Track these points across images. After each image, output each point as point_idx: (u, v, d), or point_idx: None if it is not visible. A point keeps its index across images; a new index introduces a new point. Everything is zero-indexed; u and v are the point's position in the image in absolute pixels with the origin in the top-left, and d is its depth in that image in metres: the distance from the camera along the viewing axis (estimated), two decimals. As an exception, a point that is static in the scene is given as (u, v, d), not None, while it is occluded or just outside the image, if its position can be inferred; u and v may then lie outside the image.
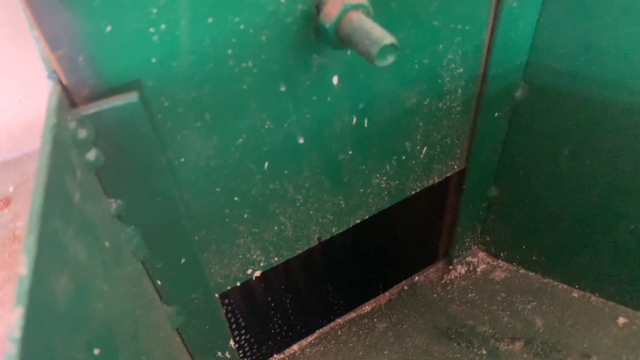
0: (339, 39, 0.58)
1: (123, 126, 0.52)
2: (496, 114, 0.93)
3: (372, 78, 0.72)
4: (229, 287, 0.83)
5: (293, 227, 0.83)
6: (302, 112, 0.69)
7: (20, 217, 2.02)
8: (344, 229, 0.91)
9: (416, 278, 1.25)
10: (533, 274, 1.16)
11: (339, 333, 1.15)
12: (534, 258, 1.14)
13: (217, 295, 0.81)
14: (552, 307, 1.09)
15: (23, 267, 0.35)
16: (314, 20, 0.60)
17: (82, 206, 0.48)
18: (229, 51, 0.57)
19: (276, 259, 0.85)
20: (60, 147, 0.45)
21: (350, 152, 0.79)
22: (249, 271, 0.83)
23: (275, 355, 1.12)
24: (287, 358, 1.12)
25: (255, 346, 1.64)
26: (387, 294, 1.22)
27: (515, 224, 1.12)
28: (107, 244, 0.53)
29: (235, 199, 0.72)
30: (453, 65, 0.80)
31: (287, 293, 1.70)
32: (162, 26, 0.51)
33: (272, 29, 0.58)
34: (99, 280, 0.49)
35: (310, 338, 1.15)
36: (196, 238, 0.72)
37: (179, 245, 0.67)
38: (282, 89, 0.65)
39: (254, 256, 0.82)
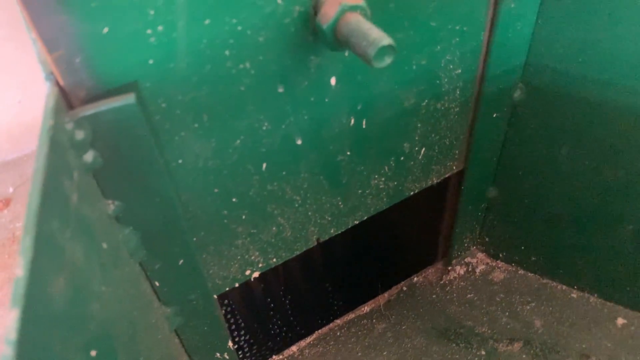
0: (337, 40, 0.58)
1: (120, 128, 0.52)
2: (495, 115, 0.93)
3: (370, 79, 0.72)
4: (227, 288, 0.83)
5: (291, 228, 0.83)
6: (300, 113, 0.69)
7: (20, 218, 2.01)
8: (343, 230, 0.91)
9: (415, 279, 1.25)
10: (532, 274, 1.16)
11: (338, 334, 1.15)
12: (533, 259, 1.14)
13: (215, 296, 0.81)
14: (551, 308, 1.09)
15: (19, 268, 0.35)
16: (312, 21, 0.60)
17: (80, 208, 0.48)
18: (227, 52, 0.57)
19: (275, 260, 0.85)
20: (58, 149, 0.45)
21: (348, 153, 0.79)
22: (248, 272, 0.83)
23: (274, 356, 1.12)
24: (286, 359, 1.12)
25: (254, 347, 1.64)
26: (386, 294, 1.22)
27: (514, 224, 1.12)
28: (104, 245, 0.53)
29: (234, 200, 0.72)
30: (451, 66, 0.80)
31: (286, 294, 1.69)
32: (160, 28, 0.51)
33: (269, 30, 0.58)
34: (97, 281, 0.49)
35: (309, 339, 1.15)
36: (194, 239, 0.72)
37: (177, 247, 0.67)
38: (280, 90, 0.65)
39: (253, 257, 0.81)
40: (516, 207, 1.08)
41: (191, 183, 0.66)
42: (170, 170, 0.63)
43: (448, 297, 1.18)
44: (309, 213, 0.83)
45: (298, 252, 0.87)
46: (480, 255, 1.23)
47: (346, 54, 0.67)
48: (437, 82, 0.81)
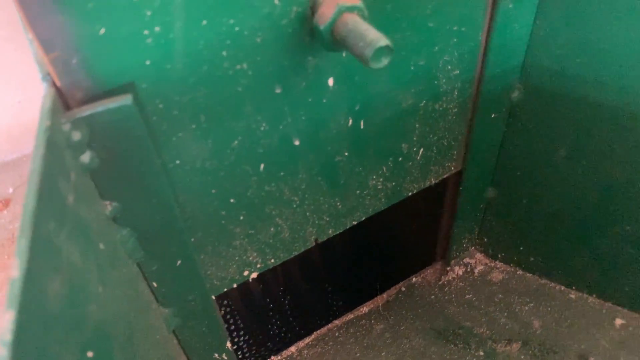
0: (334, 41, 0.58)
1: (117, 128, 0.52)
2: (493, 116, 0.93)
3: (367, 80, 0.72)
4: (225, 289, 0.83)
5: (289, 229, 0.83)
6: (297, 114, 0.69)
7: (20, 219, 2.02)
8: (341, 231, 0.91)
9: (414, 279, 1.25)
10: (530, 275, 1.16)
11: (337, 334, 1.15)
12: (532, 259, 1.14)
13: (213, 297, 0.81)
14: (549, 309, 1.09)
15: (15, 270, 0.35)
16: (309, 22, 0.60)
17: (76, 208, 0.48)
18: (224, 53, 0.57)
19: (273, 260, 0.85)
20: (54, 150, 0.45)
21: (346, 154, 0.79)
22: (246, 273, 0.83)
23: (272, 357, 1.12)
24: (284, 359, 1.12)
25: (253, 347, 1.64)
26: (384, 295, 1.22)
27: (512, 225, 1.12)
28: (101, 246, 0.53)
29: (231, 200, 0.72)
30: (449, 67, 0.80)
31: (285, 294, 1.70)
32: (157, 28, 0.51)
33: (267, 31, 0.59)
34: (94, 282, 0.48)
35: (307, 339, 1.15)
36: (192, 240, 0.72)
37: (174, 247, 0.67)
38: (278, 90, 0.65)
39: (251, 258, 0.81)
40: (515, 207, 1.08)
41: (189, 184, 0.66)
42: (167, 171, 0.63)
43: (447, 297, 1.18)
44: (307, 214, 0.83)
45: (296, 253, 0.87)
46: (479, 255, 1.23)
47: (344, 54, 0.67)
48: (435, 82, 0.81)
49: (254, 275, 0.85)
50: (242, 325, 1.62)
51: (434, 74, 0.79)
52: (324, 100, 0.70)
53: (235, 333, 1.61)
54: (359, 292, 1.69)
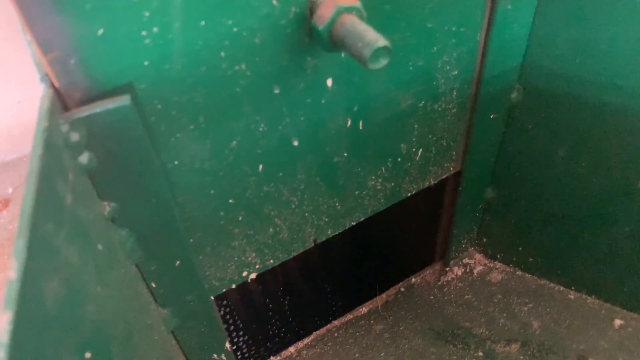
0: (333, 41, 0.58)
1: (116, 129, 0.52)
2: (492, 116, 0.93)
3: (366, 80, 0.72)
4: (224, 290, 0.83)
5: (288, 230, 0.82)
6: (296, 114, 0.69)
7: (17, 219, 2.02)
8: (340, 231, 0.91)
9: (413, 280, 1.25)
10: (530, 275, 1.16)
11: (336, 335, 1.15)
12: (531, 260, 1.14)
13: (212, 297, 0.81)
14: (548, 309, 1.09)
15: (12, 271, 0.35)
16: (308, 22, 0.60)
17: (75, 209, 0.48)
18: (222, 54, 0.57)
19: (271, 261, 0.85)
20: (52, 150, 0.45)
21: (345, 155, 0.79)
22: (245, 273, 0.83)
23: (271, 358, 1.12)
24: (283, 360, 1.12)
25: (252, 348, 1.64)
26: (383, 295, 1.22)
27: (511, 225, 1.12)
28: (100, 247, 0.53)
29: (230, 201, 0.72)
30: (448, 67, 0.80)
31: (284, 295, 1.70)
32: (155, 29, 0.51)
33: (265, 31, 0.58)
34: (92, 283, 0.48)
35: (306, 340, 1.15)
36: (191, 240, 0.72)
37: (173, 248, 0.67)
38: (276, 91, 0.65)
39: (249, 258, 0.81)
40: (514, 208, 1.08)
41: (187, 184, 0.66)
42: (166, 172, 0.63)
43: (446, 298, 1.18)
44: (306, 214, 0.83)
45: (295, 254, 0.87)
46: (478, 256, 1.23)
47: (342, 55, 0.67)
48: (434, 83, 0.81)
49: (253, 275, 0.84)
50: (241, 325, 1.62)
51: (432, 74, 0.79)
52: (323, 101, 0.70)
53: (234, 333, 1.61)
54: (358, 292, 1.69)
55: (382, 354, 1.08)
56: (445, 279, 1.22)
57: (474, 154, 0.97)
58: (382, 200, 0.92)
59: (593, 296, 1.08)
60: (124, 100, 0.51)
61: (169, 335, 0.78)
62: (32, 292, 0.36)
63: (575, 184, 0.95)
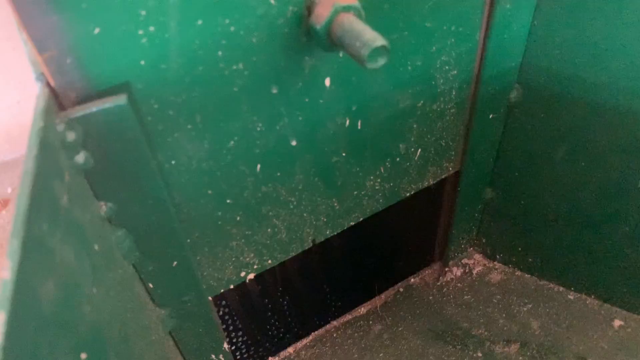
0: (331, 41, 0.57)
1: (112, 129, 0.52)
2: (491, 116, 0.93)
3: (364, 80, 0.72)
4: (222, 290, 0.82)
5: (287, 230, 0.82)
6: (294, 114, 0.69)
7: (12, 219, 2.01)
8: (339, 231, 0.91)
9: (412, 280, 1.25)
10: (529, 276, 1.16)
11: (334, 335, 1.14)
12: (530, 260, 1.14)
13: (210, 298, 0.81)
14: (548, 310, 1.08)
15: (6, 271, 0.34)
16: (305, 22, 0.59)
17: (71, 209, 0.47)
18: (219, 53, 0.57)
19: (270, 261, 0.85)
20: (48, 150, 0.45)
21: (343, 155, 0.79)
22: (243, 274, 0.83)
23: (270, 358, 1.12)
24: (282, 360, 1.12)
25: (251, 348, 1.64)
26: (382, 296, 1.22)
27: (511, 225, 1.12)
28: (96, 247, 0.53)
29: (228, 201, 0.72)
30: (447, 67, 0.80)
31: (283, 295, 1.69)
32: (151, 28, 0.51)
33: (263, 30, 0.58)
34: (88, 283, 0.48)
35: (305, 340, 1.15)
36: (188, 241, 0.72)
37: (170, 248, 0.67)
38: (274, 91, 0.64)
39: (247, 259, 0.81)
40: (513, 208, 1.08)
41: (184, 184, 0.66)
42: (163, 172, 0.62)
43: (445, 298, 1.17)
44: (304, 214, 0.82)
45: (294, 254, 0.87)
46: (477, 256, 1.23)
47: (340, 54, 0.67)
48: (433, 83, 0.81)
49: (251, 276, 0.84)
50: (239, 326, 1.62)
51: (431, 74, 0.79)
52: (321, 101, 0.70)
53: (232, 334, 1.61)
54: (357, 293, 1.68)
55: (381, 355, 1.08)
56: (445, 280, 1.21)
57: (473, 154, 0.97)
58: (380, 201, 0.92)
59: (592, 296, 1.08)
60: (120, 99, 0.50)
61: (166, 336, 0.77)
62: (27, 292, 0.36)
63: (574, 184, 0.95)
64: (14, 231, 0.37)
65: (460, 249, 1.21)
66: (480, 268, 1.21)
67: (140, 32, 0.51)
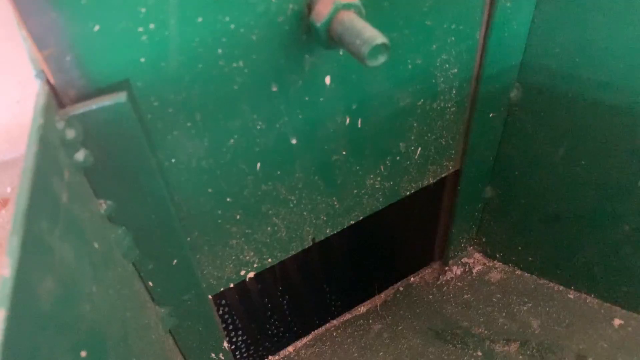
0: (331, 38, 0.57)
1: (112, 126, 0.52)
2: (491, 115, 0.93)
3: (365, 78, 0.72)
4: (222, 289, 0.82)
5: (286, 229, 0.82)
6: (294, 112, 0.69)
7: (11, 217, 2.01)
8: (339, 230, 0.90)
9: (412, 279, 1.24)
10: (529, 275, 1.16)
11: (334, 334, 1.14)
12: (530, 259, 1.14)
13: (210, 296, 0.81)
14: (547, 309, 1.08)
15: (5, 269, 0.34)
16: (305, 19, 0.59)
17: (70, 207, 0.47)
18: (219, 51, 0.57)
19: (270, 260, 0.85)
20: (48, 148, 0.45)
21: (343, 153, 0.79)
22: (242, 272, 0.83)
23: (270, 357, 1.12)
24: (282, 359, 1.11)
25: (251, 347, 1.64)
26: (382, 295, 1.22)
27: (510, 224, 1.12)
28: (96, 245, 0.53)
29: (228, 200, 0.72)
30: (447, 66, 0.80)
31: (282, 294, 1.69)
32: (151, 26, 0.51)
33: (263, 28, 0.58)
34: (87, 282, 0.48)
35: (305, 339, 1.15)
36: (188, 239, 0.72)
37: (170, 247, 0.67)
38: (274, 89, 0.64)
39: (247, 257, 0.81)
40: (513, 207, 1.08)
41: (184, 183, 0.66)
42: (162, 170, 0.62)
43: (445, 297, 1.17)
44: (304, 213, 0.82)
45: (293, 253, 0.87)
46: (477, 255, 1.23)
47: (340, 53, 0.67)
48: (433, 81, 0.81)
49: (251, 274, 0.84)
50: (239, 324, 1.62)
51: (431, 72, 0.79)
52: (321, 99, 0.70)
53: (232, 333, 1.61)
54: (356, 291, 1.68)
55: (381, 354, 1.07)
56: (444, 279, 1.21)
57: (473, 152, 0.97)
58: (380, 199, 0.92)
59: (592, 296, 1.08)
60: (120, 97, 0.50)
61: (166, 334, 0.77)
62: (26, 290, 0.36)
63: (574, 183, 0.95)
64: (13, 229, 0.37)
65: (460, 248, 1.21)
66: (480, 267, 1.21)
67: (140, 29, 0.51)
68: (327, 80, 0.68)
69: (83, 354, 0.43)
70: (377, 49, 0.52)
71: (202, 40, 0.55)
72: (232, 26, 0.56)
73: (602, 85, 0.81)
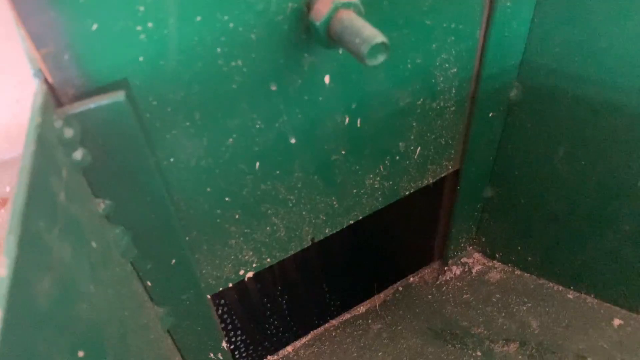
0: (330, 37, 0.57)
1: (110, 125, 0.51)
2: (490, 114, 0.92)
3: (364, 78, 0.72)
4: (221, 288, 0.82)
5: (285, 228, 0.82)
6: (293, 111, 0.69)
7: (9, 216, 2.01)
8: (338, 230, 0.90)
9: (411, 279, 1.24)
10: (528, 275, 1.16)
11: (333, 334, 1.14)
12: (530, 259, 1.14)
13: (208, 296, 0.81)
14: (547, 309, 1.08)
15: (2, 268, 0.34)
16: (305, 18, 0.59)
17: (68, 206, 0.47)
18: (218, 50, 0.57)
19: (269, 260, 0.85)
20: (45, 147, 0.44)
21: (343, 153, 0.79)
22: (241, 272, 0.83)
23: (269, 357, 1.12)
24: (281, 359, 1.11)
25: (250, 347, 1.64)
26: (381, 294, 1.22)
27: (510, 224, 1.12)
28: (94, 244, 0.52)
29: (227, 199, 0.71)
30: (447, 65, 0.80)
31: (282, 294, 1.69)
32: (150, 24, 0.51)
33: (262, 27, 0.58)
34: (85, 281, 0.48)
35: (304, 339, 1.15)
36: (187, 239, 0.71)
37: (169, 246, 0.67)
38: (273, 88, 0.64)
39: (246, 257, 0.81)
40: (512, 207, 1.08)
41: (183, 182, 0.66)
42: (161, 169, 0.62)
43: (444, 297, 1.17)
44: (304, 213, 0.82)
45: (293, 252, 0.87)
46: (477, 255, 1.23)
47: (340, 52, 0.66)
48: (433, 81, 0.80)
49: (250, 274, 0.84)
50: (238, 324, 1.61)
51: (431, 72, 0.79)
52: (320, 98, 0.70)
53: (231, 332, 1.61)
54: (356, 291, 1.68)
55: (380, 354, 1.07)
56: (444, 278, 1.21)
57: (472, 152, 0.97)
58: (380, 199, 0.92)
59: (592, 296, 1.08)
60: (118, 96, 0.50)
61: (164, 334, 0.77)
62: (24, 289, 0.35)
63: (574, 183, 0.95)
64: (10, 227, 0.37)
65: (460, 247, 1.21)
66: (479, 267, 1.21)
67: (139, 28, 0.51)
68: (327, 79, 0.68)
69: (81, 353, 0.43)
70: (377, 48, 0.52)
71: (201, 39, 0.55)
72: (231, 25, 0.56)
73: (602, 85, 0.81)
